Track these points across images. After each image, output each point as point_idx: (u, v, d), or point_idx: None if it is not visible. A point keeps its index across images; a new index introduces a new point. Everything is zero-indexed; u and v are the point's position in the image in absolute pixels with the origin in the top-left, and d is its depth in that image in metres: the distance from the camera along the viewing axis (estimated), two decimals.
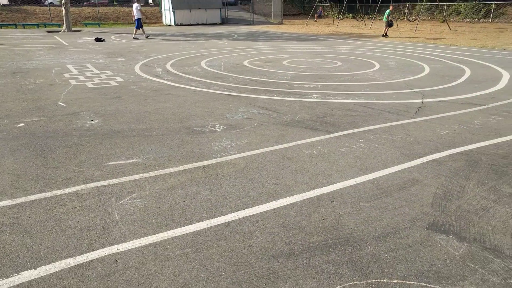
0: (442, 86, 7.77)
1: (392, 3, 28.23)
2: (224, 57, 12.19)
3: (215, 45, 15.79)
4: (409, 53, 13.06)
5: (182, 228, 2.81)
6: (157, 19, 33.49)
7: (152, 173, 3.68)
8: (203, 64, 10.67)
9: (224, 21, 32.69)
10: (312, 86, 7.84)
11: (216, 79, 8.45)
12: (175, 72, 9.39)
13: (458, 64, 10.55)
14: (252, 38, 19.31)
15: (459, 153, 4.26)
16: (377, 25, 28.12)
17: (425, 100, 6.64)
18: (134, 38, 18.92)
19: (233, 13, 35.81)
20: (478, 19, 28.04)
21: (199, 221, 2.90)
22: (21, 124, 5.14)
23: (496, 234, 2.75)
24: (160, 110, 5.91)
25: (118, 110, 5.93)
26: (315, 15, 30.54)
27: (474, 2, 28.23)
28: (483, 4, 27.89)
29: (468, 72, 9.31)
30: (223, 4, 34.32)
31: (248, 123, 5.32)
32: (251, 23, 32.19)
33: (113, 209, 3.01)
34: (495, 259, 2.48)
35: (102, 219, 2.87)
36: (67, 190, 3.30)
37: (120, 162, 3.94)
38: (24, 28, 27.25)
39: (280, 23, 32.45)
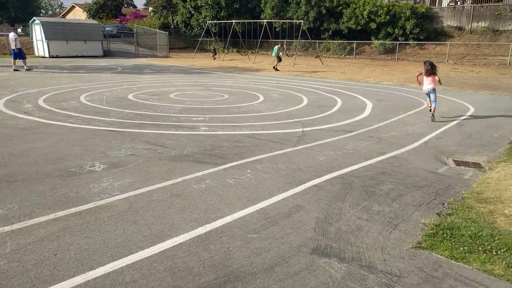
0: (319, 116, 8.51)
1: (272, 38, 30.52)
2: (106, 91, 11.55)
3: (96, 79, 14.90)
4: (290, 86, 14.11)
5: (52, 287, 2.43)
6: (27, 50, 30.40)
7: (16, 226, 3.17)
8: (82, 98, 9.93)
9: (107, 54, 31.27)
10: (200, 118, 7.85)
11: (97, 115, 7.90)
12: (49, 108, 8.52)
13: (331, 95, 11.73)
14: (137, 71, 18.79)
15: (336, 177, 4.63)
16: (260, 59, 29.97)
17: (305, 129, 7.16)
18: (14, 70, 17.17)
19: (116, 45, 34.53)
20: (344, 55, 31.95)
21: (73, 276, 2.55)
22: None
23: (370, 251, 3.00)
24: (28, 152, 5.23)
25: None
26: (212, 55, 31.51)
27: (339, 41, 32.17)
28: (347, 42, 31.97)
29: (339, 102, 10.40)
30: (105, 36, 32.95)
31: (132, 160, 5.03)
32: (136, 56, 31.42)
33: None
34: (370, 275, 2.68)
35: None
36: None
37: None
38: None
39: (166, 56, 32.33)
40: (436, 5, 33.96)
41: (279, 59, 21.35)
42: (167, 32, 35.05)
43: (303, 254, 2.93)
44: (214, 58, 30.47)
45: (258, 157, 5.33)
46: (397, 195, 4.11)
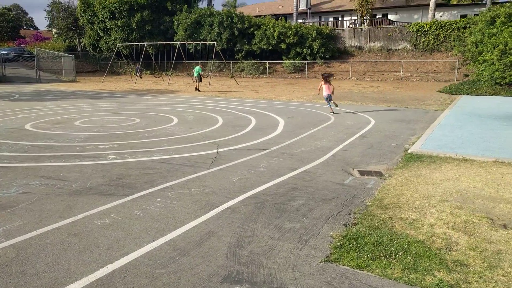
0: (234, 135, 8.54)
1: (186, 60, 30.39)
2: None
3: None
4: (205, 107, 14.05)
5: None
6: None
7: None
8: None
9: (2, 80, 28.35)
10: (107, 146, 7.37)
11: None
12: None
13: (245, 115, 11.91)
14: (38, 98, 17.27)
15: (249, 197, 4.60)
16: (174, 81, 29.58)
17: (219, 150, 7.10)
18: None
19: (13, 70, 31.47)
20: (258, 75, 32.97)
21: None
22: None
23: (281, 271, 2.97)
24: None
25: None
26: (137, 74, 30.43)
27: (253, 61, 33.17)
28: (260, 62, 33.09)
29: (254, 121, 10.58)
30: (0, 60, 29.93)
31: (24, 199, 4.48)
32: (38, 81, 28.96)
33: None
34: None
35: None
36: None
37: None
38: None
39: (73, 81, 30.33)
40: (339, 26, 36.96)
41: (200, 79, 21.41)
42: (73, 56, 32.98)
43: (214, 284, 2.79)
44: (141, 77, 29.73)
45: (169, 184, 5.11)
46: (307, 210, 4.20)
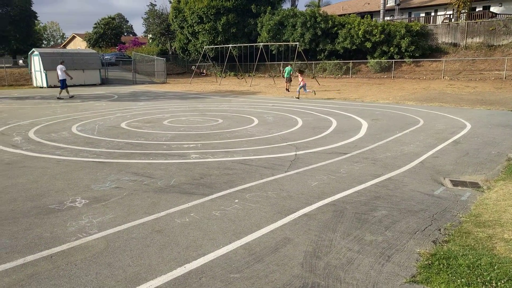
0: (313, 138, 8.35)
1: (269, 61, 30.74)
2: (99, 119, 11.47)
3: (91, 107, 14.88)
4: (285, 108, 14.03)
5: None
6: (26, 81, 30.72)
7: None
8: (74, 129, 9.83)
9: (105, 82, 31.51)
10: (191, 145, 7.70)
11: (86, 145, 7.77)
12: (38, 140, 8.40)
13: (326, 116, 11.62)
14: (133, 98, 18.81)
15: (327, 204, 4.42)
16: (257, 82, 30.12)
17: (298, 153, 6.99)
18: (58, 98, 18.83)
19: (114, 73, 34.83)
20: (341, 75, 32.11)
21: None
22: None
23: None
24: (8, 188, 5.05)
25: None
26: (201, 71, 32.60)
27: (336, 61, 32.39)
28: (343, 62, 32.19)
29: (334, 123, 10.26)
30: (103, 64, 33.29)
31: (116, 194, 4.84)
32: (134, 83, 31.64)
33: None
34: None
35: None
36: None
37: None
38: None
39: (163, 82, 32.55)
40: (431, 22, 34.36)
41: (290, 79, 21.68)
42: (164, 59, 35.42)
43: None
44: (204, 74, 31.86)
45: (247, 185, 5.14)
46: (391, 222, 3.89)
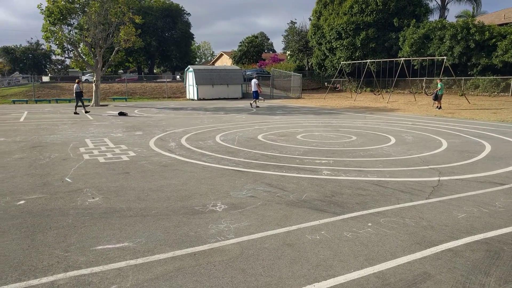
0: (461, 163, 7.45)
1: (410, 77, 28.81)
2: (239, 131, 12.36)
3: (232, 119, 16.17)
4: (427, 127, 12.90)
5: None
6: (181, 93, 35.21)
7: (140, 260, 3.44)
8: (217, 138, 10.80)
9: (245, 96, 33.97)
10: (323, 161, 7.67)
11: (227, 154, 8.44)
12: (188, 146, 9.48)
13: (477, 139, 10.26)
14: (270, 112, 19.76)
15: (478, 242, 3.86)
16: (395, 99, 28.49)
17: (441, 178, 6.31)
18: (251, 104, 23.18)
19: None
20: (497, 92, 28.06)
21: None
22: (21, 202, 5.10)
23: None
24: (164, 188, 5.81)
25: (122, 186, 5.87)
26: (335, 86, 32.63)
27: (492, 77, 28.47)
28: (501, 78, 28.09)
29: (488, 148, 8.99)
30: (245, 79, 35.97)
31: (251, 202, 5.11)
32: (271, 97, 33.29)
33: None
34: None
35: None
36: (43, 280, 3.09)
37: (109, 246, 3.74)
38: (56, 103, 29.05)
39: (299, 97, 33.43)
40: None
41: (436, 97, 19.88)
42: (300, 74, 36.44)
43: None
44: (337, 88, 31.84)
45: (382, 209, 4.85)
46: None
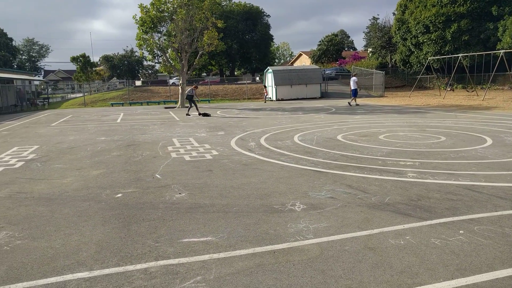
0: None
1: (510, 71, 25.92)
2: (318, 131, 12.23)
3: (311, 119, 16.04)
4: None
5: None
6: (260, 95, 35.87)
7: (222, 254, 3.60)
8: (295, 138, 10.81)
9: (324, 95, 33.45)
10: (408, 163, 7.25)
11: (305, 154, 8.40)
12: (267, 146, 9.63)
13: None
14: (350, 112, 19.23)
15: None
16: (492, 95, 25.85)
17: None
18: (350, 104, 23.11)
19: (333, 87, 36.58)
20: None
21: None
22: (119, 195, 5.64)
23: None
24: (244, 186, 5.98)
25: (205, 183, 6.17)
26: (448, 89, 30.65)
27: None
28: None
29: None
30: (323, 79, 35.42)
31: (330, 203, 5.03)
32: (351, 96, 32.31)
33: None
34: None
35: None
36: (138, 266, 3.38)
37: (194, 239, 3.97)
38: (148, 105, 31.52)
39: (381, 96, 31.97)
40: None
41: None
42: (383, 72, 34.81)
43: None
44: (453, 90, 29.80)
45: (476, 216, 4.44)
46: None
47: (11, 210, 5.08)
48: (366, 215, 4.57)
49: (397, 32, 38.76)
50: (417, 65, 37.54)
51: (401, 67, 41.22)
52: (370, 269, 3.27)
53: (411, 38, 36.79)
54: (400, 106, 21.86)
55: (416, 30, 35.48)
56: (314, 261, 3.43)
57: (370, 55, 53.23)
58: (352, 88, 23.24)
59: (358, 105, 23.13)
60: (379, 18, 67.53)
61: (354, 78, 23.47)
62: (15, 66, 68.19)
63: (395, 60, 42.74)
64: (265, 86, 28.90)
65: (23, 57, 77.98)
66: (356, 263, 3.39)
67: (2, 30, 64.61)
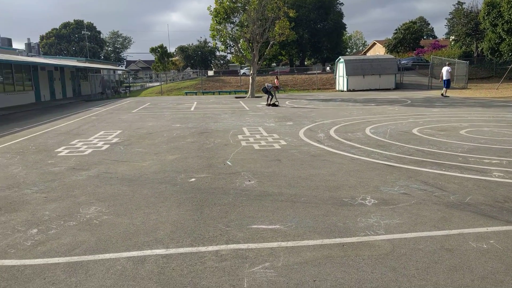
0: None
1: None
2: (391, 124, 11.68)
3: (384, 111, 15.36)
4: None
5: None
6: (330, 85, 35.12)
7: (290, 243, 3.63)
8: (367, 130, 10.44)
9: (399, 86, 31.76)
10: (494, 161, 6.66)
11: (377, 147, 8.09)
12: (337, 138, 9.44)
13: None
14: (427, 104, 18.06)
15: None
16: None
17: None
18: (443, 95, 22.36)
19: (409, 78, 34.54)
20: None
21: None
22: (193, 179, 5.93)
23: None
24: (313, 177, 5.94)
25: (274, 172, 6.24)
26: None
27: None
28: None
29: None
30: (399, 69, 33.60)
31: (404, 200, 4.81)
32: (429, 88, 30.28)
33: (244, 275, 3.06)
34: None
35: (231, 284, 2.94)
36: (210, 248, 3.54)
37: (263, 226, 4.04)
38: (219, 94, 32.50)
39: (463, 88, 29.53)
40: None
41: None
42: (467, 62, 32.06)
43: None
44: None
45: None
46: None
47: (99, 188, 5.59)
48: (444, 214, 4.29)
49: (486, 18, 35.30)
50: (508, 54, 33.96)
51: (489, 56, 37.56)
52: (447, 271, 3.08)
53: (502, 24, 33.30)
54: (486, 99, 20.04)
55: (509, 14, 32.01)
56: (385, 258, 3.32)
57: (452, 43, 49.27)
58: (444, 79, 22.14)
59: (448, 96, 22.10)
60: (465, 3, 62.05)
61: (447, 68, 22.32)
62: (102, 57, 74.22)
63: (482, 49, 39.05)
64: (277, 78, 24.28)
65: (109, 48, 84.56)
66: (431, 263, 3.22)
67: (92, 24, 70.63)
